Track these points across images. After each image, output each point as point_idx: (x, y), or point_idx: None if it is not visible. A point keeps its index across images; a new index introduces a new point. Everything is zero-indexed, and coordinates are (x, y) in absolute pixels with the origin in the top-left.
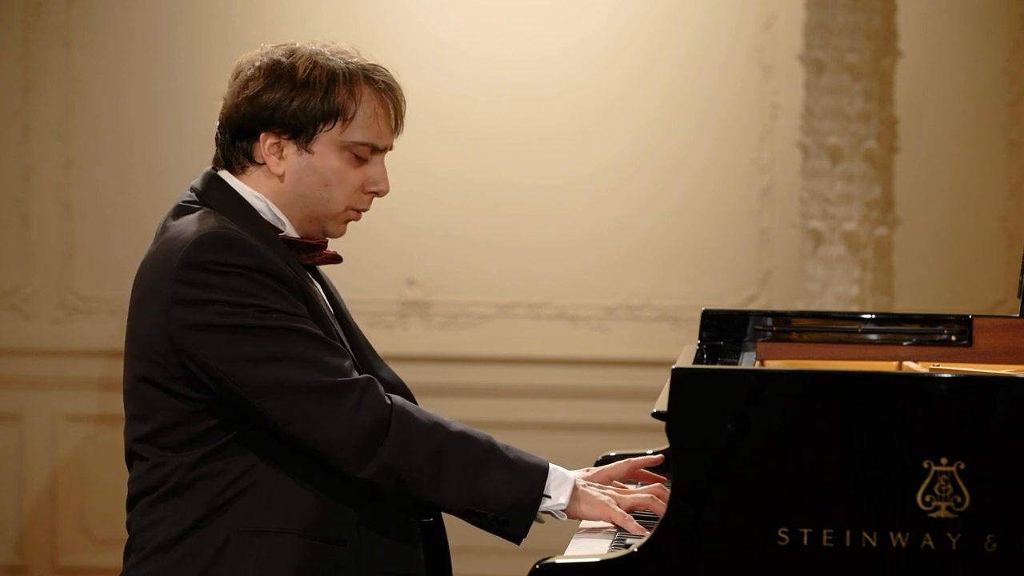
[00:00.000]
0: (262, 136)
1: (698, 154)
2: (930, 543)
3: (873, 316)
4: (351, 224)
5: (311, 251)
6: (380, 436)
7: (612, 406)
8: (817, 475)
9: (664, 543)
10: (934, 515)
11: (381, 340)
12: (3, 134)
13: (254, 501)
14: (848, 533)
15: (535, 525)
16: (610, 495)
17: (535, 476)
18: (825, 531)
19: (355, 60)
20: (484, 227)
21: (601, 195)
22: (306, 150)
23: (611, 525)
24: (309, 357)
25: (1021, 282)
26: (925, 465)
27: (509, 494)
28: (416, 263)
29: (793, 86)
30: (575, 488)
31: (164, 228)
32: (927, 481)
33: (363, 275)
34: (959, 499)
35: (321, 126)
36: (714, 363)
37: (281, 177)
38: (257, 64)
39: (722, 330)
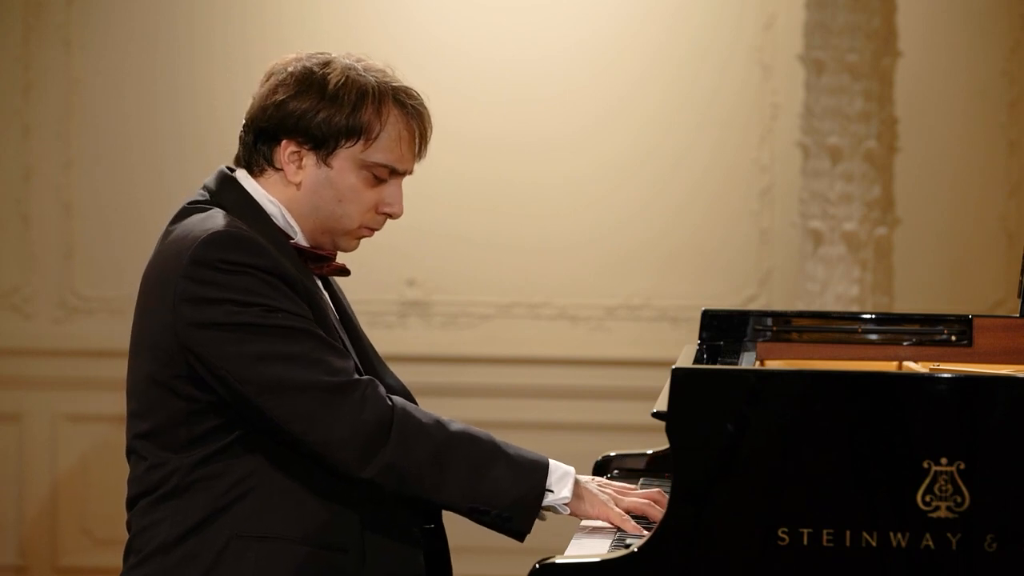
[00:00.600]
0: (284, 142)
1: (698, 154)
2: (930, 543)
3: (873, 316)
4: None
5: (319, 262)
6: (383, 436)
7: (612, 406)
8: (817, 475)
9: (664, 543)
10: (934, 515)
11: (381, 340)
12: (3, 134)
13: (255, 505)
14: (848, 533)
15: (536, 523)
16: (608, 494)
17: (537, 472)
18: (825, 531)
19: (387, 80)
20: (484, 227)
21: (601, 195)
22: (325, 163)
23: (610, 525)
24: (313, 357)
25: (1021, 282)
26: (925, 465)
27: (512, 491)
28: (416, 263)
29: (793, 86)
30: (576, 483)
31: (172, 227)
32: (927, 481)
33: (363, 275)
34: (959, 499)
35: (343, 141)
36: (714, 363)
37: (298, 186)
38: (290, 70)
39: (722, 330)
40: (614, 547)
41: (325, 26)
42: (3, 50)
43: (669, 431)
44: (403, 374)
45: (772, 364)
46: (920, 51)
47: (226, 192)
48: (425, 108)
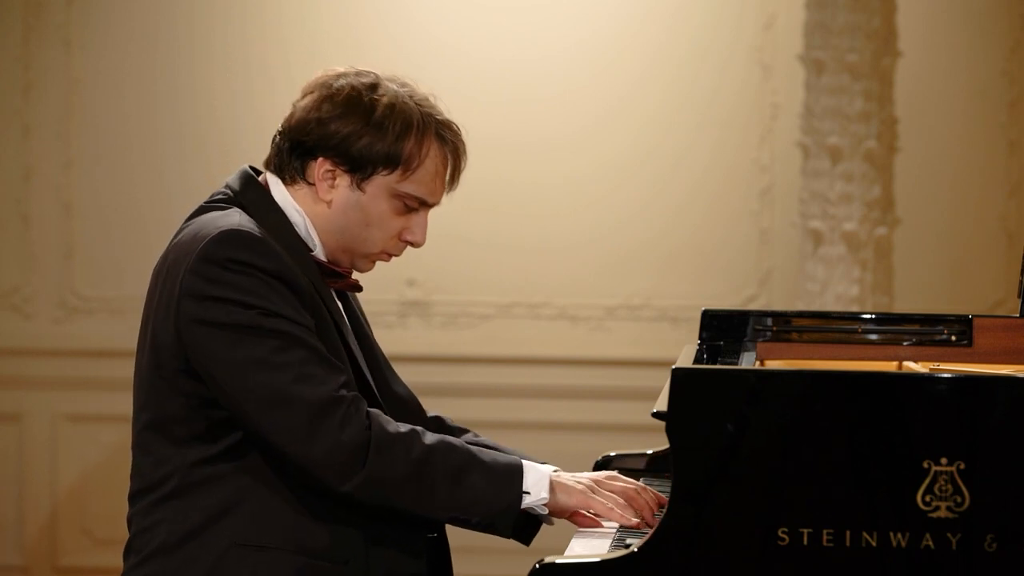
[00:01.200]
0: (320, 160)
1: (698, 154)
2: (930, 543)
3: (873, 316)
4: None
5: (334, 277)
6: (360, 456)
7: (612, 406)
8: (817, 475)
9: (664, 543)
10: (934, 515)
11: (381, 340)
12: (3, 134)
13: (255, 513)
14: (848, 533)
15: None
16: (585, 484)
17: (513, 475)
18: (825, 531)
19: (431, 112)
20: (484, 227)
21: (601, 195)
22: (359, 187)
23: (611, 524)
24: (302, 370)
25: (1021, 282)
26: (925, 465)
27: (489, 497)
28: (416, 263)
29: (793, 86)
30: (550, 480)
31: (188, 222)
32: (927, 481)
33: (363, 275)
34: (959, 499)
35: (381, 169)
36: (714, 363)
37: (328, 204)
38: (337, 86)
39: (722, 330)
40: (614, 547)
41: (325, 26)
42: (3, 50)
43: (669, 431)
44: (403, 374)
45: (772, 364)
46: (920, 51)
47: (249, 193)
48: (463, 143)
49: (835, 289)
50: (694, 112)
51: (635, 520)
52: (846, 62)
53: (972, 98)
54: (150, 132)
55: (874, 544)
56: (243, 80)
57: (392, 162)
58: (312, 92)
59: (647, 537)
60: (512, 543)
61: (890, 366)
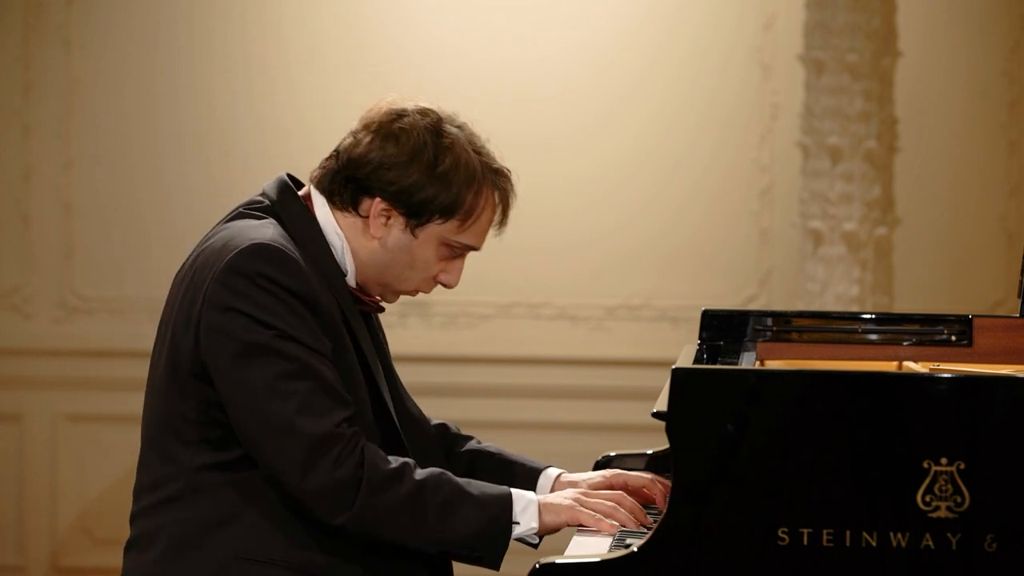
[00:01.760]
0: (378, 199)
1: (698, 154)
2: (930, 543)
3: (873, 316)
4: None
5: (359, 303)
6: (352, 493)
7: (612, 406)
8: (817, 475)
9: (664, 543)
10: (934, 515)
11: None
12: (3, 134)
13: (258, 526)
14: (848, 533)
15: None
16: (574, 498)
17: (502, 506)
18: (825, 531)
19: (489, 161)
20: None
21: (601, 195)
22: (412, 232)
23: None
24: (306, 399)
25: (1021, 282)
26: (925, 465)
27: (480, 531)
28: None
29: (793, 86)
30: (538, 505)
31: (221, 226)
32: (927, 481)
33: None
34: (959, 499)
35: (437, 218)
36: (714, 363)
37: (376, 240)
38: (401, 129)
39: (722, 330)
40: (614, 547)
41: (325, 26)
42: (3, 50)
43: (669, 431)
44: (403, 374)
45: (772, 364)
46: (920, 51)
47: (288, 205)
48: (514, 189)
49: (835, 289)
50: (694, 112)
51: (619, 527)
52: (846, 62)
53: (972, 98)
54: (150, 132)
55: (874, 544)
56: (243, 80)
57: (450, 213)
58: (375, 129)
59: (647, 537)
60: (513, 543)
61: (890, 366)
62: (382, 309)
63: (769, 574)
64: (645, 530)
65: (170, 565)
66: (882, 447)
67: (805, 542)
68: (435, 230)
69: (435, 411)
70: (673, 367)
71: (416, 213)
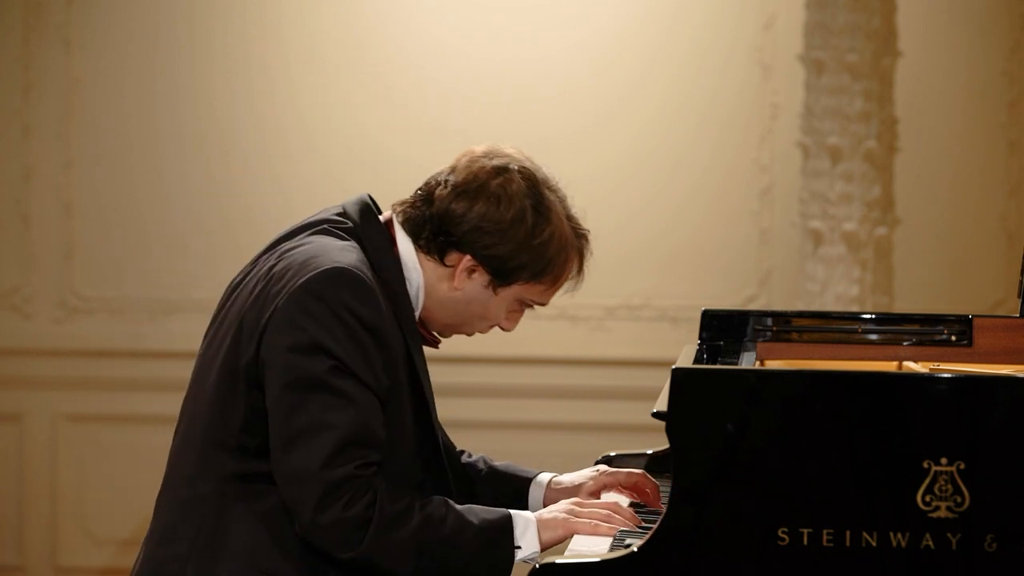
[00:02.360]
0: (468, 257)
1: (698, 154)
2: (930, 543)
3: (873, 316)
4: None
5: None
6: (361, 532)
7: (612, 406)
8: (817, 475)
9: (664, 543)
10: (934, 515)
11: None
12: (3, 134)
13: (275, 543)
14: (848, 533)
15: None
16: (568, 510)
17: (503, 534)
18: (825, 531)
19: (577, 226)
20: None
21: (601, 195)
22: (494, 290)
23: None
24: (339, 439)
25: (1021, 282)
26: (925, 465)
27: (483, 561)
28: None
29: (793, 86)
30: (536, 527)
31: (303, 237)
32: (927, 481)
33: None
34: (959, 499)
35: (523, 281)
36: (714, 363)
37: (456, 290)
38: (504, 188)
39: (722, 330)
40: (614, 547)
41: (325, 26)
42: (3, 50)
43: (669, 431)
44: None
45: (772, 364)
46: (920, 51)
47: (371, 231)
48: (590, 250)
49: (835, 289)
50: (694, 112)
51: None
52: (846, 62)
53: (972, 98)
54: (150, 132)
55: (874, 544)
56: (243, 80)
57: (536, 278)
58: (476, 188)
59: (647, 537)
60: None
61: (890, 366)
62: (438, 344)
63: (769, 574)
64: (644, 530)
65: (185, 564)
66: (882, 447)
67: (805, 542)
68: (516, 289)
69: (436, 411)
70: (673, 367)
71: (503, 275)
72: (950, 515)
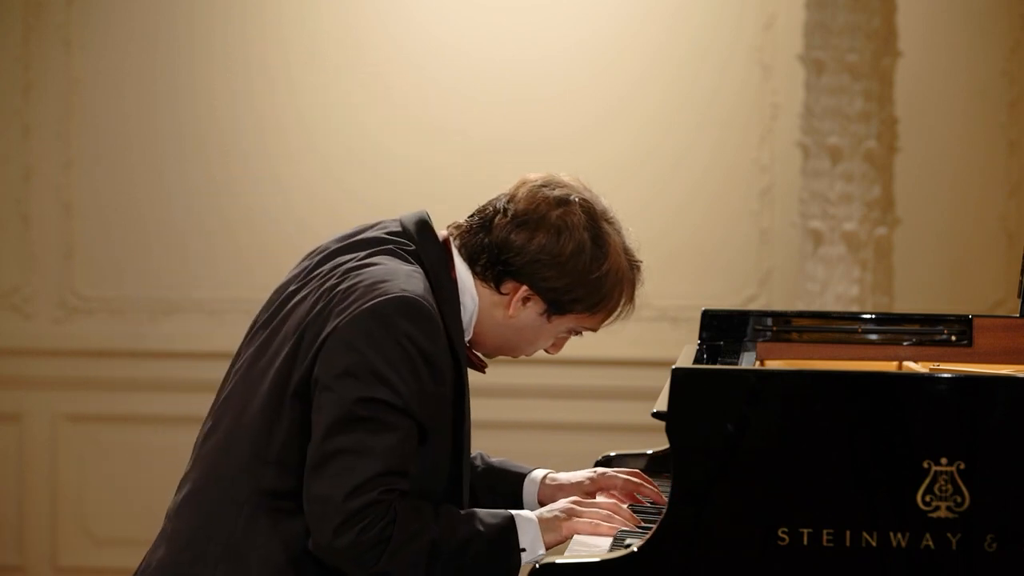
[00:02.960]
0: (524, 287)
1: (698, 154)
2: (930, 543)
3: (873, 316)
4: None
5: (468, 361)
6: (377, 552)
7: (612, 406)
8: (817, 475)
9: (664, 543)
10: (934, 515)
11: None
12: (3, 134)
13: (294, 566)
14: (848, 533)
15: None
16: (568, 510)
17: (508, 538)
18: (825, 531)
19: (632, 257)
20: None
21: (601, 195)
22: (547, 319)
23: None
24: (383, 462)
25: (1021, 282)
26: (925, 465)
27: (493, 568)
28: None
29: (793, 86)
30: (539, 527)
31: (366, 256)
32: (927, 481)
33: None
34: (959, 499)
35: (577, 311)
36: (714, 363)
37: (510, 317)
38: (564, 220)
39: (722, 330)
40: (614, 547)
41: (325, 26)
42: (3, 50)
43: (669, 431)
44: None
45: (772, 364)
46: (920, 51)
47: (431, 255)
48: (642, 280)
49: (835, 289)
50: (694, 112)
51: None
52: (846, 62)
53: (972, 98)
54: (150, 132)
55: (874, 544)
56: (243, 80)
57: (590, 310)
58: (536, 220)
59: (647, 537)
60: None
61: (890, 366)
62: (484, 369)
63: (769, 574)
64: (644, 530)
65: (215, 572)
66: (882, 447)
67: (805, 542)
68: (570, 319)
69: None
70: (673, 367)
71: (558, 306)
72: (950, 515)
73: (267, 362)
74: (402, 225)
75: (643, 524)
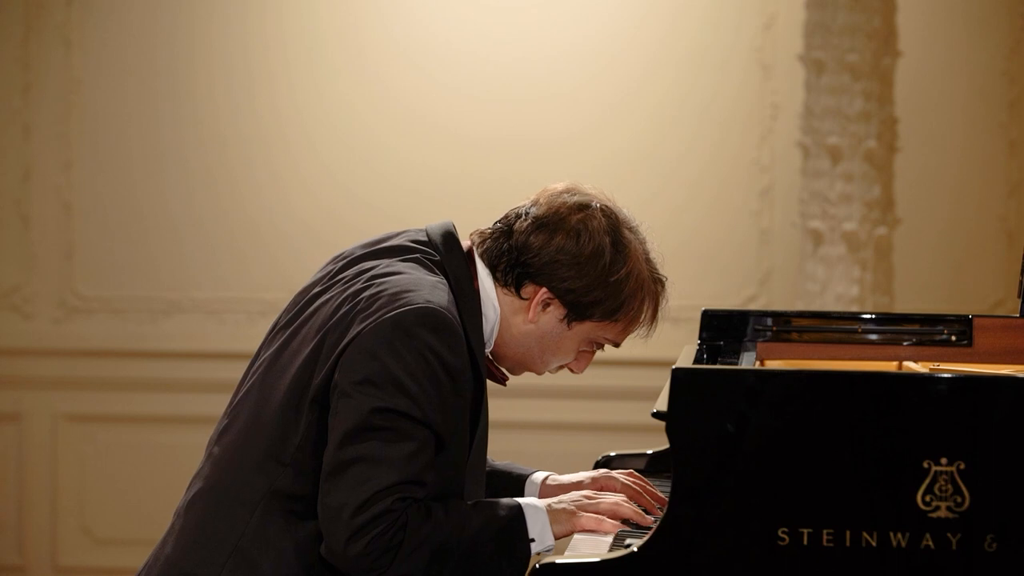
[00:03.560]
0: (544, 289)
1: (698, 154)
2: (930, 543)
3: (873, 316)
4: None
5: (489, 374)
6: (389, 556)
7: (612, 406)
8: (817, 475)
9: (664, 543)
10: (934, 515)
11: None
12: (3, 134)
13: (307, 561)
14: (848, 533)
15: None
16: (577, 502)
17: (517, 528)
18: (825, 531)
19: (654, 271)
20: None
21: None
22: (567, 324)
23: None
24: (402, 470)
25: (1021, 282)
26: (925, 465)
27: (502, 566)
28: None
29: (793, 86)
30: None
31: (392, 263)
32: (927, 481)
33: None
34: (959, 499)
35: (596, 318)
36: (714, 363)
37: (530, 324)
38: (584, 224)
39: (722, 330)
40: (614, 547)
41: (325, 26)
42: (3, 50)
43: (669, 431)
44: None
45: (772, 364)
46: (920, 51)
47: (455, 267)
48: (666, 298)
49: (835, 289)
50: (694, 112)
51: (620, 526)
52: (846, 62)
53: (972, 98)
54: (150, 132)
55: (874, 544)
56: (243, 80)
57: (609, 317)
58: (556, 221)
59: (647, 537)
60: None
61: (890, 366)
62: (505, 381)
63: (769, 574)
64: (645, 530)
65: (222, 571)
66: (882, 447)
67: (805, 542)
68: (589, 327)
69: None
70: (673, 367)
71: (578, 310)
72: (950, 515)
73: (286, 362)
74: (428, 235)
75: (644, 525)
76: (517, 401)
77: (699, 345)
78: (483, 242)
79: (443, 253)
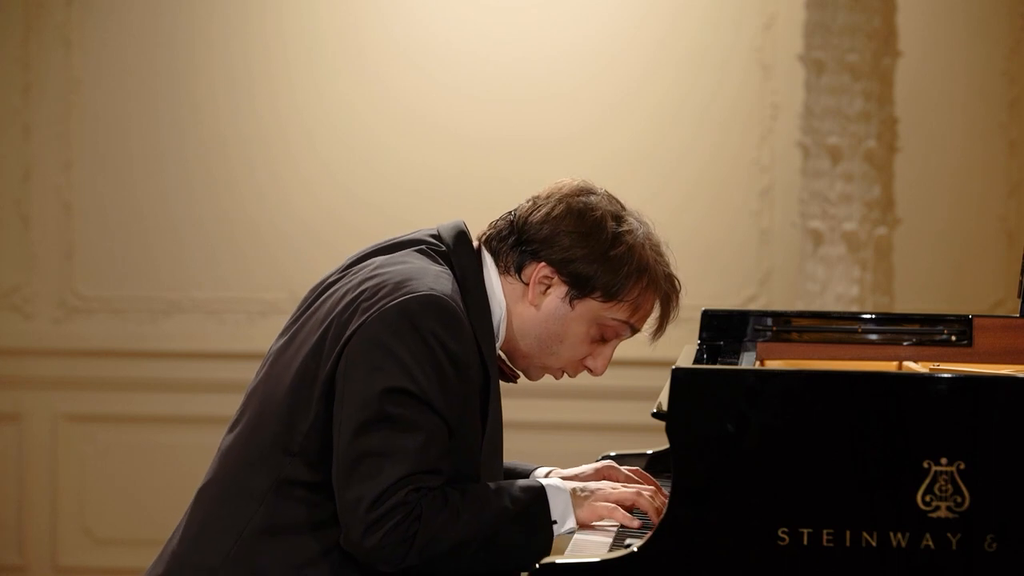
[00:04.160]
0: (542, 264)
1: (698, 154)
2: (930, 543)
3: (873, 316)
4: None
5: (500, 372)
6: (405, 547)
7: (612, 406)
8: (817, 475)
9: (664, 543)
10: (934, 515)
11: None
12: (3, 134)
13: (321, 564)
14: (848, 533)
15: None
16: (599, 491)
17: (538, 511)
18: (825, 531)
19: (663, 263)
20: (484, 227)
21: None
22: (570, 303)
23: (611, 522)
24: (415, 460)
25: (1021, 282)
26: (925, 465)
27: (525, 549)
28: None
29: (793, 86)
30: (572, 499)
31: (398, 257)
32: (927, 481)
33: None
34: (959, 499)
35: (597, 294)
36: (714, 363)
37: (532, 307)
38: (585, 205)
39: (722, 330)
40: (614, 547)
41: (325, 26)
42: (3, 50)
43: (669, 431)
44: None
45: (772, 364)
46: (920, 51)
47: (463, 259)
48: (678, 299)
49: (835, 289)
50: (694, 112)
51: (637, 522)
52: (846, 62)
53: (972, 98)
54: (150, 132)
55: (874, 544)
56: (243, 80)
57: (611, 296)
58: (557, 199)
59: (647, 537)
60: None
61: (890, 366)
62: (516, 379)
63: (769, 574)
64: (645, 530)
65: (226, 560)
66: (882, 447)
67: (805, 542)
68: (592, 305)
69: None
70: (673, 367)
71: (577, 284)
72: (950, 515)
73: (292, 354)
74: (438, 230)
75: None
76: (517, 401)
77: (699, 345)
78: (489, 231)
79: (451, 247)
